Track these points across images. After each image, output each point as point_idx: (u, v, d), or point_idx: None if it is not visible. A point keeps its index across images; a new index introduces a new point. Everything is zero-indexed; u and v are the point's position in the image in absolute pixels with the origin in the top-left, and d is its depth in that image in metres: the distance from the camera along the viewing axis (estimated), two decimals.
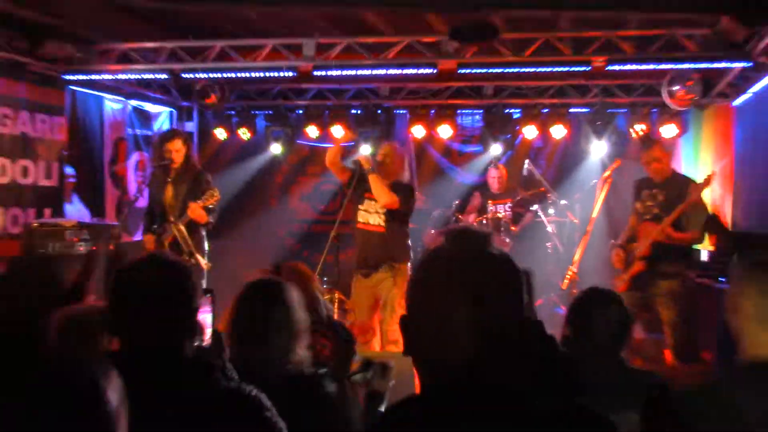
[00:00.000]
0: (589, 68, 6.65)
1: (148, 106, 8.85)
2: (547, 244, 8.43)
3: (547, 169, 9.13)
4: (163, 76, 7.60)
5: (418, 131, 8.54)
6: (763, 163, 6.31)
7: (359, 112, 8.66)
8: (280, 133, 9.03)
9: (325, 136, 8.69)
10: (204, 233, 6.16)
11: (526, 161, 8.61)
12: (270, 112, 9.14)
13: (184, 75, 7.55)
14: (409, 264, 5.89)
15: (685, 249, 5.66)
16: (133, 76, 7.67)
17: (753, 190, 6.75)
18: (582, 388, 1.81)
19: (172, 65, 7.15)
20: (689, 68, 6.59)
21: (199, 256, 5.84)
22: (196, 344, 2.02)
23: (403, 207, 5.80)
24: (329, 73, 7.10)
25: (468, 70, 7.14)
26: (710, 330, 5.81)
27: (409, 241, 6.08)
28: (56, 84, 7.14)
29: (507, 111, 8.48)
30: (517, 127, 8.42)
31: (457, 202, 8.59)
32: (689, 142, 8.36)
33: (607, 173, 7.23)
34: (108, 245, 6.51)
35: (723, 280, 5.61)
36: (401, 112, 8.91)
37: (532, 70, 7.20)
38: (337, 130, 8.36)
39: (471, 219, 8.19)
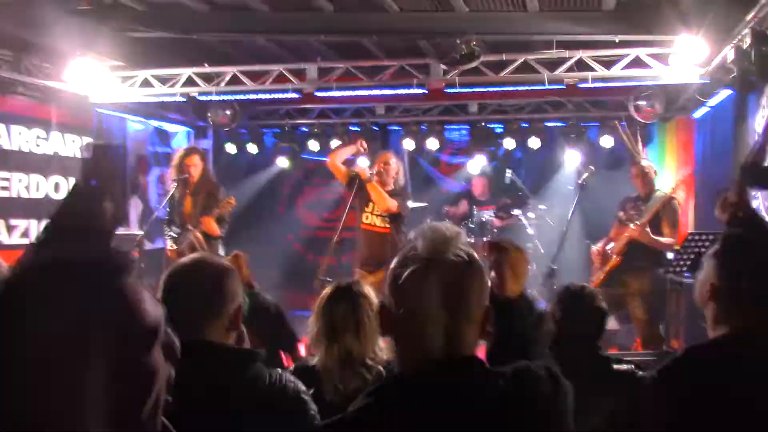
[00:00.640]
0: (563, 86, 6.64)
1: (167, 126, 8.83)
2: (528, 245, 8.41)
3: (527, 178, 9.14)
4: (181, 99, 7.58)
5: (409, 144, 8.54)
6: (720, 171, 6.30)
7: (357, 129, 8.67)
8: (287, 148, 9.05)
9: (327, 151, 8.72)
10: (220, 240, 6.13)
11: (508, 170, 8.61)
12: (278, 130, 9.15)
13: (199, 98, 7.52)
14: None
15: (657, 251, 5.62)
16: (153, 100, 7.66)
17: (712, 196, 6.70)
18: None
19: (188, 89, 7.14)
20: (653, 85, 6.58)
21: None
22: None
23: (401, 211, 5.78)
24: (330, 94, 7.09)
25: (454, 90, 7.13)
26: (679, 322, 5.80)
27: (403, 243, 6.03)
28: (85, 107, 7.14)
29: (490, 126, 8.52)
30: (500, 140, 8.44)
31: (446, 208, 8.59)
32: (654, 152, 8.36)
33: (581, 180, 7.21)
34: (132, 252, 6.48)
35: (688, 275, 5.59)
36: (395, 128, 8.91)
37: (512, 88, 7.20)
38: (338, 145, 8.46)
39: (459, 223, 8.18)
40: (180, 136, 9.08)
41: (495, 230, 8.07)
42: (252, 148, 8.95)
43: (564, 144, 8.17)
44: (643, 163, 5.95)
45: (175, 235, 6.06)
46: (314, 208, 9.79)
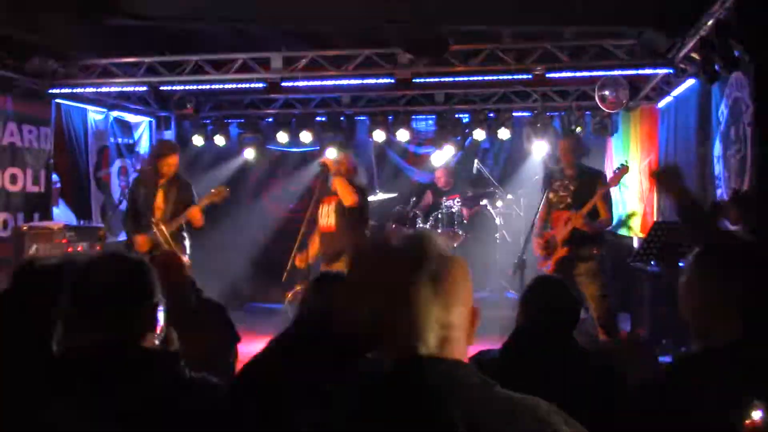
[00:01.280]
0: (531, 77, 6.64)
1: (129, 117, 8.63)
2: (495, 234, 8.44)
3: (494, 168, 9.17)
4: (142, 88, 7.40)
5: (378, 135, 8.47)
6: (682, 158, 6.38)
7: (324, 119, 8.58)
8: (252, 139, 8.88)
9: (293, 142, 8.64)
10: (185, 232, 5.98)
11: (476, 161, 8.61)
12: (242, 120, 9.00)
13: (161, 87, 7.35)
14: None
15: (599, 234, 5.64)
16: (113, 89, 7.47)
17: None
18: None
19: (150, 78, 6.97)
20: (618, 75, 6.64)
21: (180, 254, 5.67)
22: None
23: (360, 205, 5.72)
24: (296, 84, 6.98)
25: (422, 80, 7.08)
26: (643, 309, 5.86)
27: (368, 234, 6.00)
28: (42, 97, 6.95)
29: (457, 116, 8.48)
30: (467, 131, 8.41)
31: (414, 199, 8.57)
32: (619, 141, 8.44)
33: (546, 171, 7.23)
34: (94, 246, 6.31)
35: (654, 263, 5.65)
36: (362, 118, 8.83)
37: (479, 78, 7.18)
38: (305, 136, 8.39)
39: (427, 214, 8.18)
40: (142, 126, 8.87)
41: (465, 221, 8.06)
42: (219, 140, 8.77)
43: (530, 134, 8.17)
44: (566, 141, 5.86)
45: (142, 228, 5.85)
46: (280, 200, 9.69)
